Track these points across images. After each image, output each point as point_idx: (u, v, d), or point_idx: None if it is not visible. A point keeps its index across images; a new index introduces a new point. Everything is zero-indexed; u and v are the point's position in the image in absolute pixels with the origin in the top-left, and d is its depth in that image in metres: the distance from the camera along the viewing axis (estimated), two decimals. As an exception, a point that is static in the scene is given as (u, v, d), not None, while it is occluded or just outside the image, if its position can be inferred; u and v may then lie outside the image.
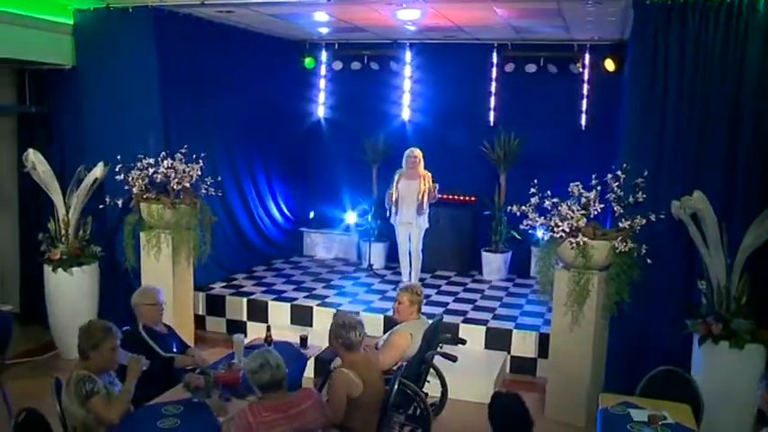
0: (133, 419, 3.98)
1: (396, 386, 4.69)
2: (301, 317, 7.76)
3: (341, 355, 4.44)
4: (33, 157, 6.86)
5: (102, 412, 3.84)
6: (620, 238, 5.60)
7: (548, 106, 9.18)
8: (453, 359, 5.34)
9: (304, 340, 5.47)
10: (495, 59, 9.46)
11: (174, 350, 4.95)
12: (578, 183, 5.85)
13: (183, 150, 7.07)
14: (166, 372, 4.61)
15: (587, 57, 9.05)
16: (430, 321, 5.51)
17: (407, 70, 9.94)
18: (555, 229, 5.65)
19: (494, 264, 9.18)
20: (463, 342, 5.73)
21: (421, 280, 8.84)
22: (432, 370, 5.49)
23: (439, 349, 5.54)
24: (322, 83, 10.44)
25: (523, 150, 9.06)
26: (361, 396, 4.25)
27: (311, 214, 10.55)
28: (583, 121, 9.16)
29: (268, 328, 5.37)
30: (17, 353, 6.98)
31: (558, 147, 9.09)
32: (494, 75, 9.50)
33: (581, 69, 9.07)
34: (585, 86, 9.13)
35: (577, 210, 5.66)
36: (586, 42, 8.94)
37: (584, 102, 9.15)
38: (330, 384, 4.37)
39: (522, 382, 6.89)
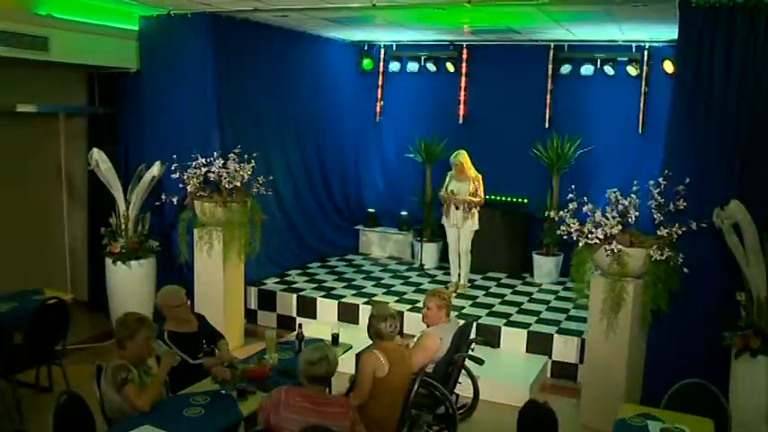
0: (161, 407, 4.23)
1: (416, 386, 4.84)
2: (348, 314, 7.96)
3: (375, 343, 4.60)
4: (97, 155, 7.32)
5: (134, 399, 4.11)
6: (655, 246, 5.52)
7: (604, 109, 9.07)
8: (480, 362, 5.41)
9: (335, 338, 5.61)
10: (550, 61, 9.37)
11: (206, 345, 5.08)
12: (616, 189, 5.80)
13: (237, 150, 7.38)
14: (196, 376, 4.75)
15: (645, 58, 8.84)
16: (460, 323, 5.61)
17: (463, 71, 9.97)
18: (589, 236, 5.62)
19: (545, 266, 9.13)
20: (493, 346, 5.76)
21: (471, 281, 8.90)
22: (464, 371, 5.60)
23: (471, 351, 5.63)
24: (379, 83, 10.59)
25: (578, 153, 8.99)
26: (386, 379, 4.41)
27: (370, 211, 10.73)
28: (640, 125, 8.94)
29: (299, 326, 5.55)
30: (82, 338, 7.47)
31: (614, 150, 8.99)
32: (549, 76, 9.41)
33: (639, 71, 8.87)
34: (643, 89, 8.92)
35: (613, 217, 5.61)
36: (644, 43, 8.75)
37: (642, 105, 8.93)
38: (358, 363, 4.52)
39: (562, 387, 6.89)
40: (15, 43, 6.55)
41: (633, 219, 5.67)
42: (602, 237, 5.58)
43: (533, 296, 8.53)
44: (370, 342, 4.81)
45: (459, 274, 8.67)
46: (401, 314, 7.66)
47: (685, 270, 5.52)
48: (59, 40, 6.99)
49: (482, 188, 8.38)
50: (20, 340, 5.84)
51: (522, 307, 8.04)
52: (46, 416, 4.25)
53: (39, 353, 5.96)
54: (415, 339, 5.56)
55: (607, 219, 5.58)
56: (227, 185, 7.20)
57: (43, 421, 5.10)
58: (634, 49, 8.88)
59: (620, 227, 5.59)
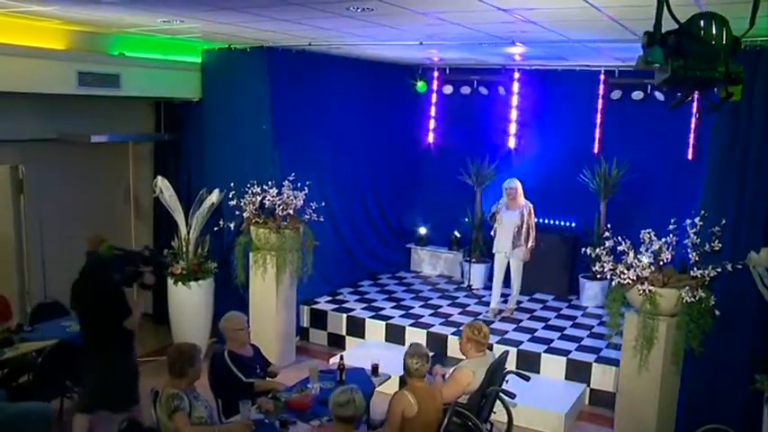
0: (210, 435, 4.65)
1: (447, 418, 5.13)
2: (395, 335, 8.28)
3: (407, 382, 4.91)
4: (161, 183, 7.85)
5: (180, 428, 4.53)
6: (687, 287, 5.62)
7: (653, 135, 9.06)
8: (512, 396, 5.64)
9: (375, 368, 5.92)
10: (601, 86, 9.43)
11: (258, 371, 5.57)
12: (650, 230, 5.91)
13: (291, 178, 7.79)
14: (248, 395, 5.17)
15: (697, 85, 8.78)
16: (495, 357, 5.85)
17: (515, 95, 10.12)
18: (621, 276, 5.77)
19: (591, 290, 9.22)
20: (527, 379, 5.96)
21: (518, 303, 9.05)
22: (499, 401, 5.84)
23: (505, 383, 5.87)
24: (432, 106, 10.86)
25: (626, 179, 9.04)
26: (415, 418, 4.72)
27: (420, 231, 11.01)
28: (690, 153, 8.90)
29: (341, 357, 5.87)
30: (149, 351, 8.02)
31: (662, 178, 9.00)
32: (600, 101, 9.47)
33: (690, 97, 8.81)
34: (694, 115, 8.88)
35: (646, 258, 5.74)
36: (696, 70, 8.68)
37: (693, 131, 8.90)
38: (390, 402, 4.85)
39: (599, 415, 7.03)
40: (92, 81, 7.17)
41: (667, 260, 5.78)
42: (634, 278, 5.72)
43: (577, 320, 8.65)
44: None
45: (499, 299, 8.81)
46: (444, 338, 7.97)
47: (717, 312, 5.60)
48: (130, 76, 7.56)
49: (533, 218, 8.51)
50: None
51: (565, 332, 8.18)
52: (113, 426, 4.71)
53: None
54: (450, 371, 5.83)
55: (639, 260, 5.71)
56: (280, 213, 7.62)
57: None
58: (685, 76, 8.81)
59: (651, 269, 5.70)
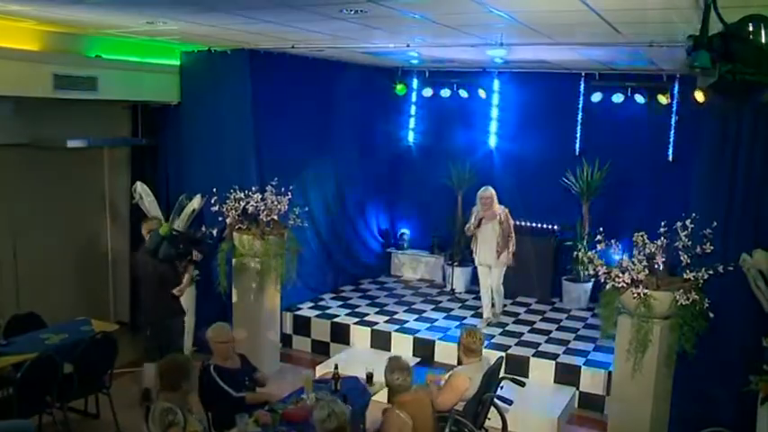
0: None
1: (447, 428, 5.06)
2: (381, 341, 8.17)
3: (394, 399, 4.80)
4: (140, 189, 7.63)
5: (177, 443, 4.37)
6: (681, 290, 5.63)
7: (635, 137, 9.10)
8: (509, 402, 5.59)
9: (370, 377, 5.79)
10: (582, 88, 9.46)
11: (247, 382, 5.39)
12: (643, 233, 5.91)
13: (274, 182, 7.65)
14: (240, 409, 4.99)
15: (677, 87, 8.87)
16: (491, 361, 5.79)
17: (495, 98, 10.09)
18: (616, 280, 5.75)
19: (574, 293, 9.22)
20: (522, 384, 5.91)
21: (502, 306, 8.99)
22: (492, 407, 5.78)
23: (500, 389, 5.81)
24: (412, 109, 10.81)
25: (608, 181, 9.06)
26: None
27: (400, 235, 10.93)
28: (671, 154, 8.98)
29: (336, 366, 5.73)
30: (125, 363, 7.74)
31: (644, 179, 9.05)
32: (581, 104, 9.50)
33: (670, 100, 8.91)
34: (674, 118, 8.96)
35: (639, 261, 5.74)
36: (676, 73, 8.77)
37: (673, 134, 8.97)
38: (382, 424, 4.73)
39: (588, 418, 7.03)
40: (69, 85, 6.92)
41: (660, 264, 5.77)
42: (629, 281, 5.71)
43: (562, 323, 8.63)
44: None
45: (491, 309, 8.63)
46: (432, 343, 7.90)
47: (711, 315, 5.61)
48: (107, 79, 7.33)
49: (511, 222, 8.35)
50: (70, 370, 6.18)
51: (551, 336, 8.15)
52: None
53: (88, 383, 6.28)
54: (446, 377, 5.75)
55: (634, 264, 5.70)
56: (264, 218, 7.46)
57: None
58: (665, 78, 8.90)
59: (646, 272, 5.70)
